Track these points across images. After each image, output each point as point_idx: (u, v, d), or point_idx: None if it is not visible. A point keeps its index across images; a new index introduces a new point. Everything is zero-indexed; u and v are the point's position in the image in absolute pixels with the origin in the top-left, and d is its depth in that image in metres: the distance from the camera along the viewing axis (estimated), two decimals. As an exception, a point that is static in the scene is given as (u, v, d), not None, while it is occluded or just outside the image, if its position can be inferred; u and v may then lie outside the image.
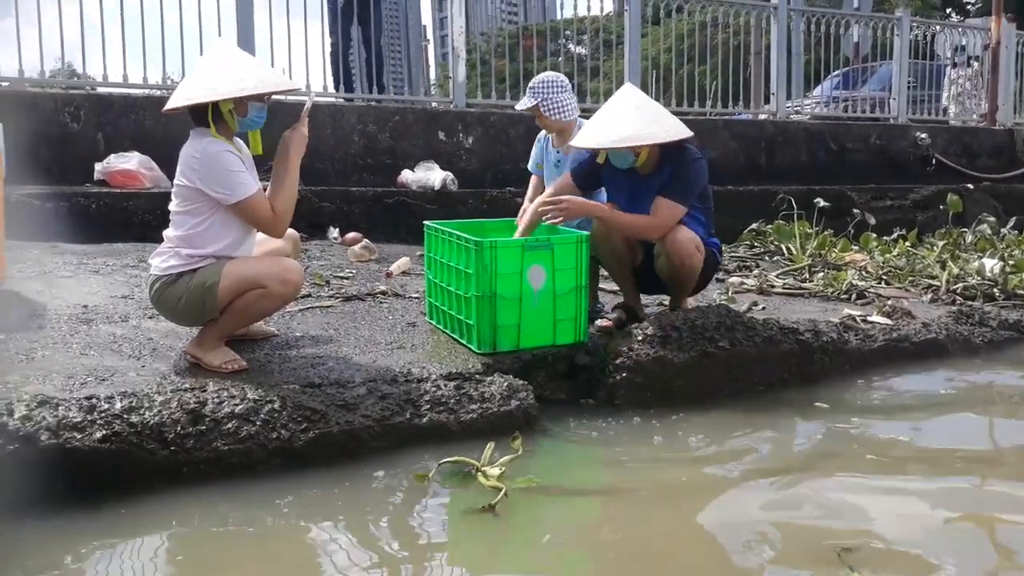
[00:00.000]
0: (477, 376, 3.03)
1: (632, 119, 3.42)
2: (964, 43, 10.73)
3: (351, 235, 5.51)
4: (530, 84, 3.85)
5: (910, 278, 5.35)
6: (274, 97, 3.06)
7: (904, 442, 3.15)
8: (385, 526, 2.39)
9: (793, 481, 2.76)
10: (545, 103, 3.78)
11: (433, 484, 2.57)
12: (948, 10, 30.83)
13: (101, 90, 6.43)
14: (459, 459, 2.59)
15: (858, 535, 2.31)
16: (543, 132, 4.02)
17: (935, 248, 6.04)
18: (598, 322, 3.65)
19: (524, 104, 3.86)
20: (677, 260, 3.47)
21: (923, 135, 9.05)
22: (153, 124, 5.86)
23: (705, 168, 3.57)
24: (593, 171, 3.61)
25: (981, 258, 5.51)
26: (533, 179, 4.12)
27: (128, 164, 5.59)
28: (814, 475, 2.83)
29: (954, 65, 10.34)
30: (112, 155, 5.67)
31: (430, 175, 6.35)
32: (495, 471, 2.54)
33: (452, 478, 2.59)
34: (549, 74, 3.88)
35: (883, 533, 2.32)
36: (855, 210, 6.74)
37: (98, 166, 5.61)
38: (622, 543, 2.37)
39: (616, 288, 4.50)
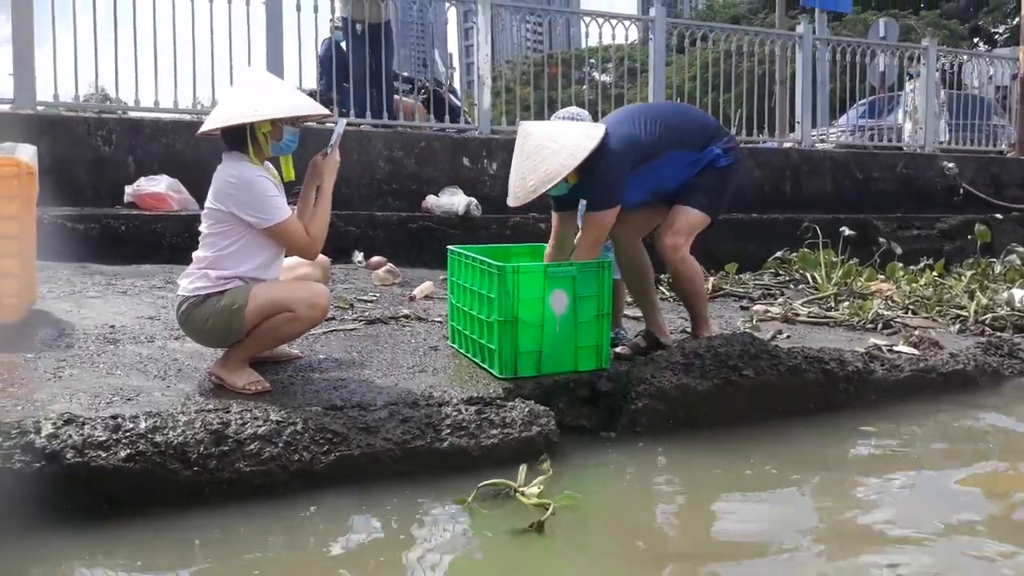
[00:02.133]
0: (498, 401, 3.02)
1: (535, 162, 3.36)
2: (992, 73, 10.67)
3: (375, 259, 5.55)
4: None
5: (937, 308, 5.29)
6: (304, 124, 3.12)
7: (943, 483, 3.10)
8: (431, 549, 2.40)
9: (815, 519, 2.73)
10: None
11: (455, 507, 2.57)
12: (976, 40, 30.73)
13: (132, 114, 6.56)
14: (498, 481, 2.62)
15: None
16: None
17: (963, 278, 5.97)
18: (617, 349, 3.63)
19: None
20: (672, 273, 3.63)
21: (950, 164, 8.98)
22: (183, 148, 5.96)
23: (609, 156, 3.36)
24: (560, 197, 3.59)
25: (1010, 288, 5.43)
26: (555, 218, 3.92)
27: (157, 187, 5.68)
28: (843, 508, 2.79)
29: (909, 77, 9.93)
30: (142, 178, 5.76)
31: (454, 200, 6.39)
32: (534, 490, 2.57)
33: (488, 500, 2.60)
34: (563, 111, 3.95)
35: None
36: (881, 239, 6.68)
37: (128, 189, 5.71)
38: (670, 557, 2.43)
39: (637, 314, 4.50)
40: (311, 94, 6.05)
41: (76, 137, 5.80)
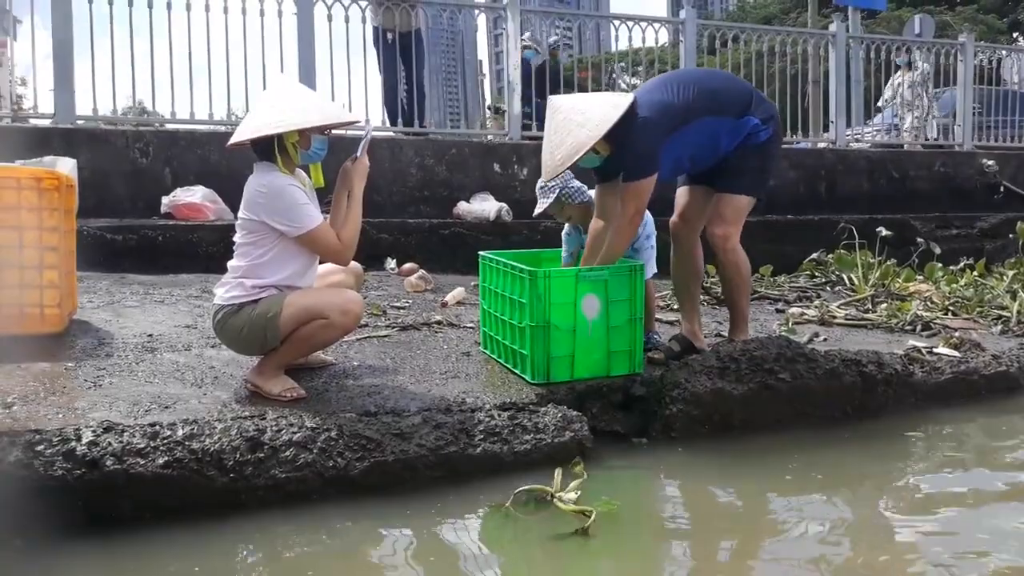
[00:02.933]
0: (531, 406, 3.02)
1: (562, 135, 3.31)
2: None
3: (407, 266, 5.58)
4: (537, 186, 3.76)
5: (978, 309, 5.18)
6: (334, 131, 3.14)
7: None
8: (475, 555, 2.42)
9: (850, 521, 2.69)
10: (565, 192, 3.67)
11: (485, 513, 2.57)
12: (1015, 34, 30.13)
13: (169, 126, 6.67)
14: (535, 487, 2.62)
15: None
16: (566, 228, 3.91)
17: (1005, 278, 5.84)
18: (650, 353, 3.61)
19: (543, 206, 3.72)
20: (720, 263, 3.62)
21: (990, 162, 8.81)
22: (218, 159, 6.05)
23: (641, 124, 3.28)
24: (601, 169, 3.49)
25: (1054, 288, 5.31)
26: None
27: (193, 197, 5.77)
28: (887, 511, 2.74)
29: (896, 68, 9.62)
30: (178, 189, 5.86)
31: (485, 206, 6.41)
32: (571, 495, 2.57)
33: (522, 506, 2.60)
34: None
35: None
36: (919, 239, 6.56)
37: (165, 199, 5.80)
38: (713, 564, 2.43)
39: (671, 319, 4.47)
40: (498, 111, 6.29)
41: (114, 150, 5.92)
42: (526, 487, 2.62)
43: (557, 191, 3.68)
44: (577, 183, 3.77)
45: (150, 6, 6.20)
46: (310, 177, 3.07)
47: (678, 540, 2.63)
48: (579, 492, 2.60)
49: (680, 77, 3.60)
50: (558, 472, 2.70)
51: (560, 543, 2.43)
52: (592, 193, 3.75)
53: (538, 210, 3.75)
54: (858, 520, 2.70)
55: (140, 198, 5.89)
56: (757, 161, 3.52)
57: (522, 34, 7.46)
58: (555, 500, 2.58)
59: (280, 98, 2.92)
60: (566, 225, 3.90)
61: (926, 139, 9.46)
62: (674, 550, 2.56)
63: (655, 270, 3.80)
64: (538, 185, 3.74)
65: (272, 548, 2.40)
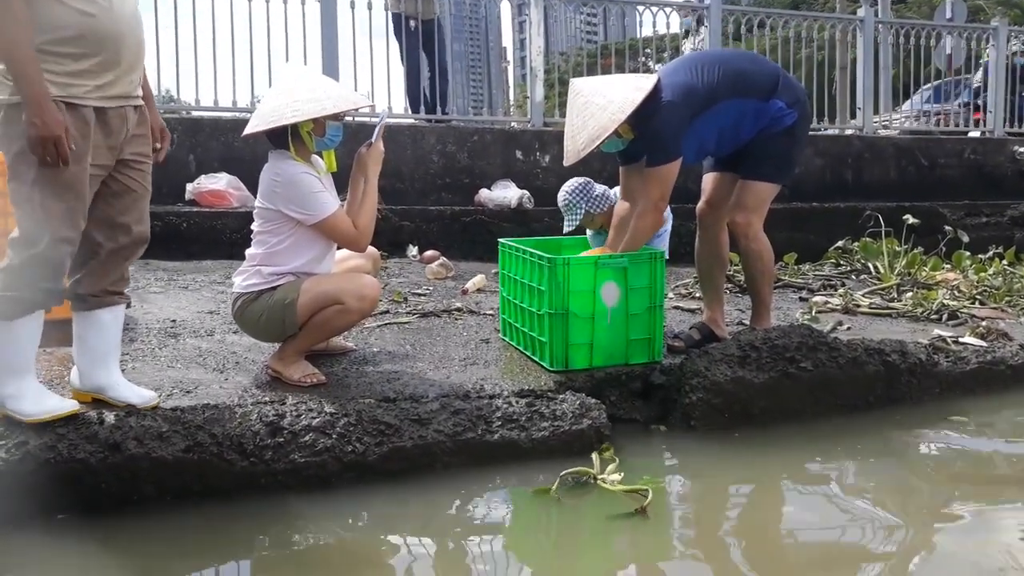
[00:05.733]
0: (549, 394, 3.01)
1: (584, 118, 3.27)
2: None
3: (429, 253, 5.59)
4: (561, 204, 3.77)
5: (1007, 298, 5.09)
6: (348, 116, 3.14)
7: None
8: (539, 537, 2.51)
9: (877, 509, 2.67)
10: (591, 205, 3.71)
11: (510, 498, 2.58)
12: (1050, 19, 29.48)
13: (194, 113, 6.72)
14: (581, 469, 2.68)
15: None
16: (589, 232, 3.92)
17: (1035, 267, 5.74)
18: (670, 341, 3.58)
19: (572, 226, 3.73)
20: (743, 251, 3.60)
21: (1021, 149, 8.65)
22: (242, 145, 6.07)
23: (664, 107, 3.22)
24: (625, 152, 3.47)
25: (1086, 277, 5.21)
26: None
27: (217, 184, 5.81)
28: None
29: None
30: (202, 176, 5.91)
31: (507, 193, 6.40)
32: (616, 476, 2.63)
33: (568, 489, 2.64)
34: (567, 187, 3.88)
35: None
36: (947, 227, 6.45)
37: (189, 186, 5.85)
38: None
39: (693, 307, 4.44)
40: None
41: None
42: (573, 469, 2.66)
43: (583, 209, 3.68)
44: (600, 189, 3.76)
45: (175, -6, 6.25)
46: (324, 162, 3.07)
47: (725, 525, 2.66)
48: (622, 474, 2.65)
49: (705, 58, 3.52)
50: (596, 456, 2.76)
51: (619, 522, 2.49)
52: (615, 192, 3.74)
53: (567, 230, 3.75)
54: (889, 512, 2.68)
55: (165, 185, 5.93)
56: (783, 146, 3.45)
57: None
58: (599, 482, 2.63)
59: (293, 87, 2.90)
60: (588, 230, 3.89)
61: (956, 125, 9.29)
62: (724, 535, 2.58)
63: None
64: (560, 201, 3.74)
65: (291, 531, 2.43)
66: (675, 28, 8.11)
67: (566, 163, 3.40)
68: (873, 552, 2.38)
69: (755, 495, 2.90)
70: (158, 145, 2.66)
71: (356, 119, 6.20)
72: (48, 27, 2.22)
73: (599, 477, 2.66)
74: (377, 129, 3.08)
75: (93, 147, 2.33)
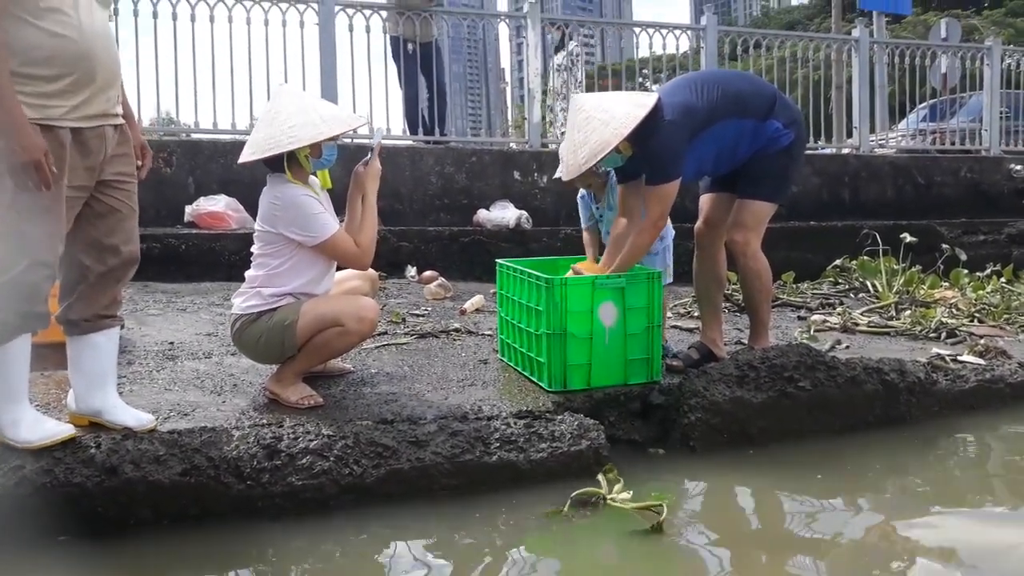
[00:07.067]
0: (547, 415, 3.01)
1: (585, 133, 3.26)
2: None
3: (427, 273, 5.60)
4: (561, 155, 3.73)
5: (1005, 316, 5.10)
6: (346, 138, 3.15)
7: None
8: (562, 558, 2.49)
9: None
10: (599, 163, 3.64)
11: (518, 519, 2.56)
12: (1045, 38, 29.68)
13: (193, 136, 6.75)
14: (591, 490, 2.69)
15: None
16: (581, 192, 3.88)
17: (1033, 284, 5.75)
18: (669, 361, 3.58)
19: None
20: (741, 270, 3.60)
21: (1018, 167, 8.68)
22: (240, 167, 6.08)
23: (665, 126, 3.23)
24: (623, 169, 3.46)
25: (1084, 295, 5.21)
26: (586, 235, 3.91)
27: (216, 206, 5.83)
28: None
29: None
30: (201, 198, 5.93)
31: (505, 214, 6.41)
32: (626, 495, 2.65)
33: (575, 510, 2.64)
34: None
35: None
36: (944, 245, 6.48)
37: (188, 208, 5.87)
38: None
39: (691, 327, 4.44)
40: None
41: None
42: (583, 490, 2.68)
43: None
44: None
45: (175, 18, 6.29)
46: (319, 180, 3.08)
47: (743, 540, 2.67)
48: (631, 492, 2.67)
49: (704, 78, 3.56)
50: (602, 477, 2.78)
51: (637, 539, 2.50)
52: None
53: (561, 175, 3.69)
54: (891, 535, 2.67)
55: (164, 207, 5.96)
56: (779, 166, 3.48)
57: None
58: (609, 501, 2.65)
59: (288, 111, 2.90)
60: (581, 189, 3.85)
61: (952, 144, 9.33)
62: (744, 549, 2.60)
63: (670, 279, 3.76)
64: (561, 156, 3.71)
65: (288, 555, 2.41)
66: (671, 49, 8.12)
67: (565, 178, 3.40)
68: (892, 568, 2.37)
69: (764, 512, 2.89)
70: (139, 163, 2.62)
71: (355, 141, 6.24)
72: (19, 49, 2.21)
73: (608, 496, 2.66)
74: (373, 147, 3.10)
75: (70, 169, 2.32)
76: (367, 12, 6.90)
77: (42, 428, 2.41)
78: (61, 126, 2.29)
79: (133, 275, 2.64)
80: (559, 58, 8.09)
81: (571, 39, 8.01)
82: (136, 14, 6.19)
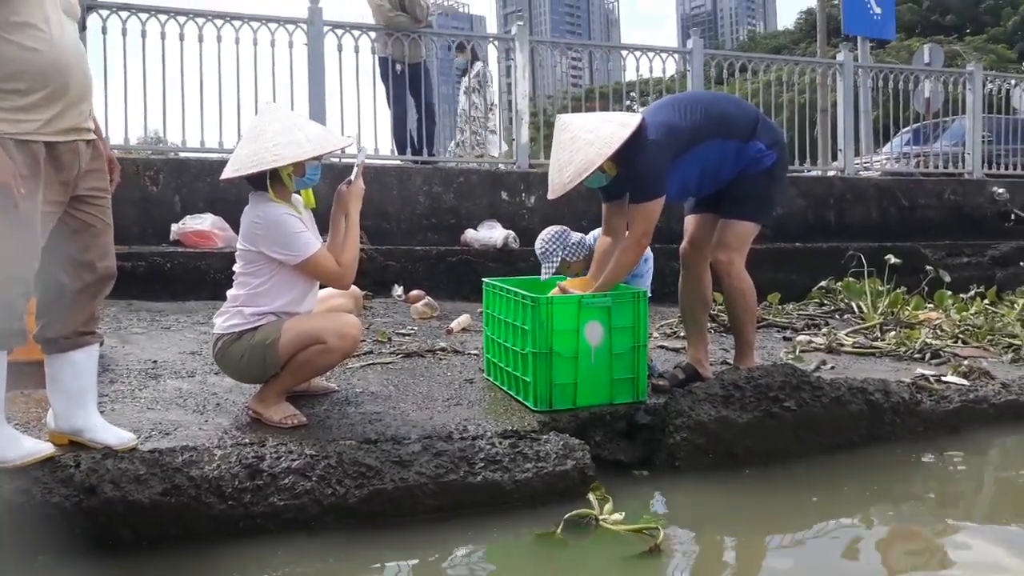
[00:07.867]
0: (533, 434, 2.99)
1: (570, 153, 3.30)
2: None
3: (414, 293, 5.59)
4: (539, 252, 3.72)
5: (988, 337, 5.13)
6: (333, 157, 3.15)
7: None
8: None
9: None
10: (567, 252, 3.67)
11: (515, 539, 2.54)
12: (1025, 64, 30.12)
13: (181, 155, 6.73)
14: (584, 511, 2.66)
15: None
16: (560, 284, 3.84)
17: (1016, 306, 5.79)
18: (655, 381, 3.58)
19: (549, 271, 3.69)
20: (725, 289, 3.61)
21: (1001, 190, 8.77)
22: (227, 186, 6.07)
23: (648, 145, 3.25)
24: (608, 188, 3.49)
25: (1066, 316, 5.25)
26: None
27: (202, 225, 5.81)
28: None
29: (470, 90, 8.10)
30: (188, 216, 5.90)
31: (492, 234, 6.42)
32: (618, 516, 2.62)
33: (568, 531, 2.60)
34: (544, 236, 3.76)
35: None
36: (928, 267, 6.53)
37: (174, 227, 5.84)
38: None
39: (678, 346, 4.45)
40: None
41: (125, 177, 5.81)
42: (576, 512, 2.64)
43: (559, 257, 3.66)
44: (576, 237, 3.74)
45: (163, 37, 6.30)
46: (303, 199, 3.07)
47: (734, 568, 2.65)
48: (623, 514, 2.63)
49: (687, 99, 3.61)
50: (592, 497, 2.74)
51: (635, 562, 2.46)
52: (592, 235, 3.75)
53: (544, 277, 3.73)
54: (887, 549, 2.67)
55: (150, 225, 5.93)
56: (762, 186, 3.51)
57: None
58: (601, 523, 2.62)
59: (272, 130, 2.89)
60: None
61: (935, 167, 9.43)
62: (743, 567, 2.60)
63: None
64: (538, 249, 3.72)
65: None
66: (658, 72, 8.19)
67: (551, 196, 3.42)
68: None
69: (756, 535, 2.86)
70: (107, 178, 2.60)
71: (343, 160, 6.24)
72: None
73: (601, 518, 2.64)
74: (356, 166, 3.10)
75: (45, 184, 2.31)
76: (356, 33, 6.93)
77: (21, 446, 2.39)
78: (35, 140, 2.28)
79: (110, 291, 2.62)
80: (467, 80, 7.99)
81: (478, 60, 7.97)
82: (124, 33, 6.19)
